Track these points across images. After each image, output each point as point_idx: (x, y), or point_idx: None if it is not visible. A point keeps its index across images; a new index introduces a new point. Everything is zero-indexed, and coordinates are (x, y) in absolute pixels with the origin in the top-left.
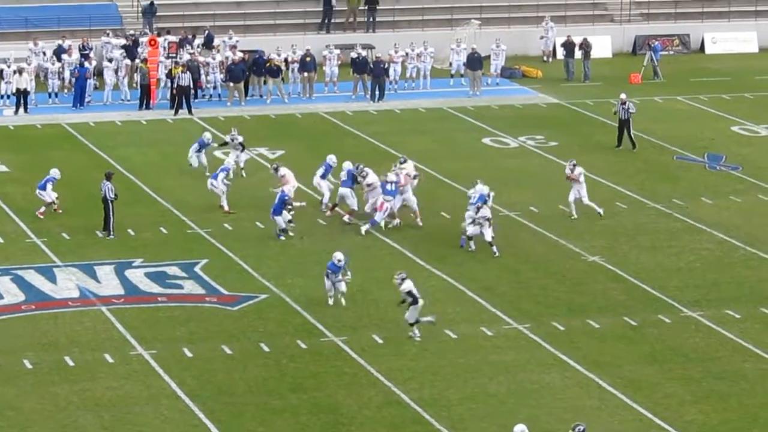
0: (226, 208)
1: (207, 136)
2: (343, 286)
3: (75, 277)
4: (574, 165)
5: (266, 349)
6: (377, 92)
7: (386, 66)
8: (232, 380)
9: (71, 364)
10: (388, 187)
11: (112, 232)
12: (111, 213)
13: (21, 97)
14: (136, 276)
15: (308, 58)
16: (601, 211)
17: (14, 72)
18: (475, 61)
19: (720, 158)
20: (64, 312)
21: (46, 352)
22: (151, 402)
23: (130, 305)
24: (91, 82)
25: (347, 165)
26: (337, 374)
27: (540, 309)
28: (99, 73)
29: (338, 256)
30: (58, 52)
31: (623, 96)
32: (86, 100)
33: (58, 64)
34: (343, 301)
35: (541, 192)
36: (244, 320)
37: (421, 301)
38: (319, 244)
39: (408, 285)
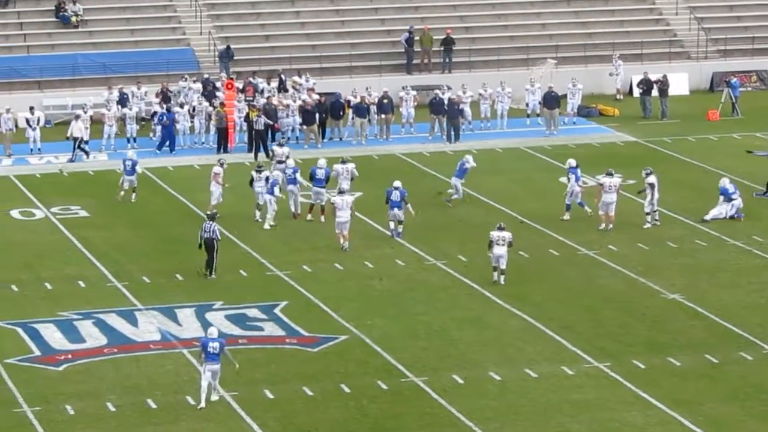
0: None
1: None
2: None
3: (156, 320)
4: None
5: (347, 390)
6: (452, 133)
7: (460, 107)
8: (314, 421)
9: (154, 406)
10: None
11: (213, 272)
12: (216, 253)
13: (75, 143)
14: (217, 318)
15: (385, 100)
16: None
17: (74, 119)
18: (552, 100)
19: None
20: (145, 355)
21: (129, 395)
22: None
23: None
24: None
25: None
26: (418, 414)
27: (620, 347)
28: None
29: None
30: (121, 100)
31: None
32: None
33: (135, 109)
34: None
35: (619, 229)
36: (324, 361)
37: None
38: (397, 285)
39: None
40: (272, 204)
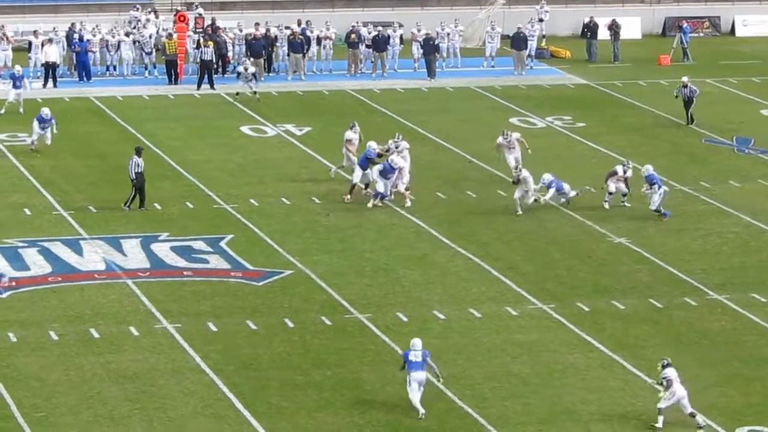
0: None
1: (45, 111)
2: None
3: (101, 249)
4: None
5: (290, 324)
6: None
7: (435, 42)
8: (257, 355)
9: (96, 336)
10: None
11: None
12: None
13: (49, 69)
14: (162, 250)
15: (353, 35)
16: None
17: (42, 44)
18: (521, 41)
19: (749, 141)
20: (90, 284)
21: (72, 324)
22: (175, 375)
23: (155, 279)
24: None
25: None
26: (361, 351)
27: (565, 290)
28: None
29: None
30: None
31: (685, 79)
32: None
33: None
34: None
35: (567, 172)
36: (268, 296)
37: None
38: (344, 221)
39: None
40: None
